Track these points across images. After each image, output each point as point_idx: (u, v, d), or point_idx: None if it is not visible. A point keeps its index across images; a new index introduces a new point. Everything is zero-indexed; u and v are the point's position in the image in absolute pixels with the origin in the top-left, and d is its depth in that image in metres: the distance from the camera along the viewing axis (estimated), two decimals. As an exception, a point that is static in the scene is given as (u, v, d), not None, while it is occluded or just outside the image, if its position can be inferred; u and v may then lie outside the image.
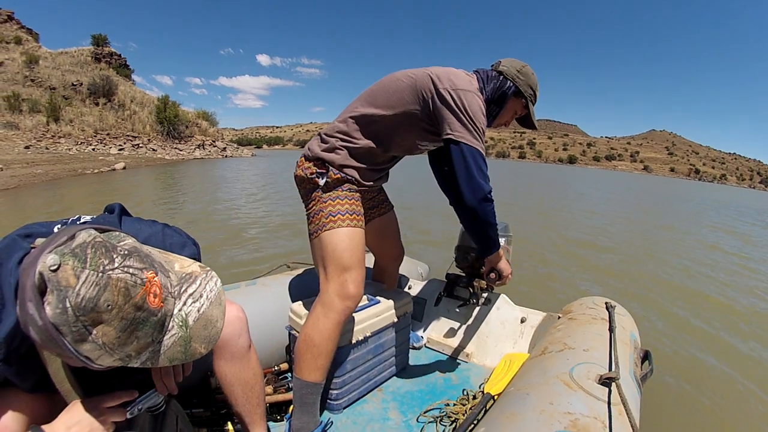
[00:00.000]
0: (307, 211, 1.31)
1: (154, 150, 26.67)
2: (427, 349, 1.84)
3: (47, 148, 20.80)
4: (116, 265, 0.55)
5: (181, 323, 0.62)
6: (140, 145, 26.59)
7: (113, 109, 29.90)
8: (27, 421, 0.69)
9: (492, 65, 1.37)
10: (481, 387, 1.47)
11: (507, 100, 1.33)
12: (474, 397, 1.41)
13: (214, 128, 38.92)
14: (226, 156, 32.73)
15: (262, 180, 14.70)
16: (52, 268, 0.52)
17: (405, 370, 1.66)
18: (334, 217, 1.23)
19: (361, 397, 1.47)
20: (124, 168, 17.26)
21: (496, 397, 1.32)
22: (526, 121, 1.42)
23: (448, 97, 1.15)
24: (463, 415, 1.31)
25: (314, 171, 1.26)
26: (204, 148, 31.80)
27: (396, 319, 1.54)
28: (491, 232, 1.29)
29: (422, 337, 1.87)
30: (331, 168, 1.25)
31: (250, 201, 9.13)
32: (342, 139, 1.26)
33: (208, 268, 0.72)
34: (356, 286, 1.20)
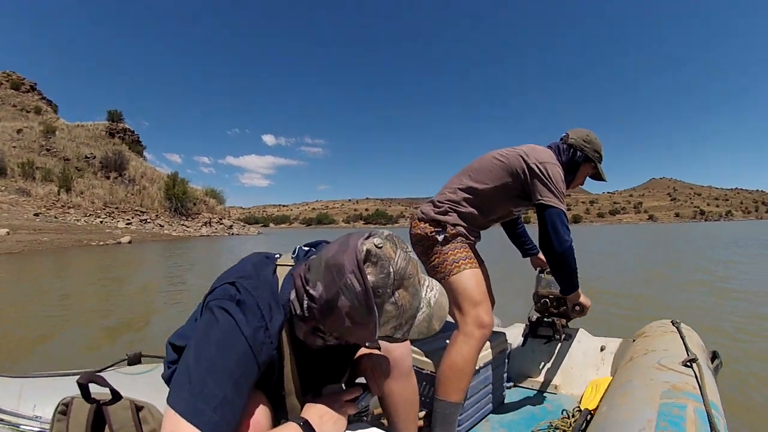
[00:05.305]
0: (429, 264, 1.54)
1: (161, 225, 26.18)
2: (517, 388, 1.97)
3: (56, 217, 20.64)
4: (409, 250, 0.73)
5: (428, 303, 0.75)
6: (148, 220, 26.22)
7: (123, 184, 29.74)
8: (271, 417, 0.76)
9: (561, 138, 1.67)
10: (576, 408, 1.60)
11: (579, 167, 1.63)
12: (573, 415, 1.53)
13: (222, 206, 38.30)
14: (232, 234, 32.02)
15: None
16: (379, 246, 0.68)
17: (501, 407, 1.79)
18: (457, 263, 1.47)
19: (472, 427, 1.61)
20: (130, 242, 17.13)
21: (593, 413, 1.44)
22: (597, 178, 1.72)
23: (536, 170, 1.44)
24: (569, 427, 1.44)
25: (432, 230, 1.52)
26: (211, 225, 31.20)
27: (494, 356, 1.69)
28: (573, 274, 1.53)
29: (509, 377, 1.99)
30: (447, 226, 1.52)
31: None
32: (451, 205, 1.54)
33: None
34: (489, 316, 1.43)
